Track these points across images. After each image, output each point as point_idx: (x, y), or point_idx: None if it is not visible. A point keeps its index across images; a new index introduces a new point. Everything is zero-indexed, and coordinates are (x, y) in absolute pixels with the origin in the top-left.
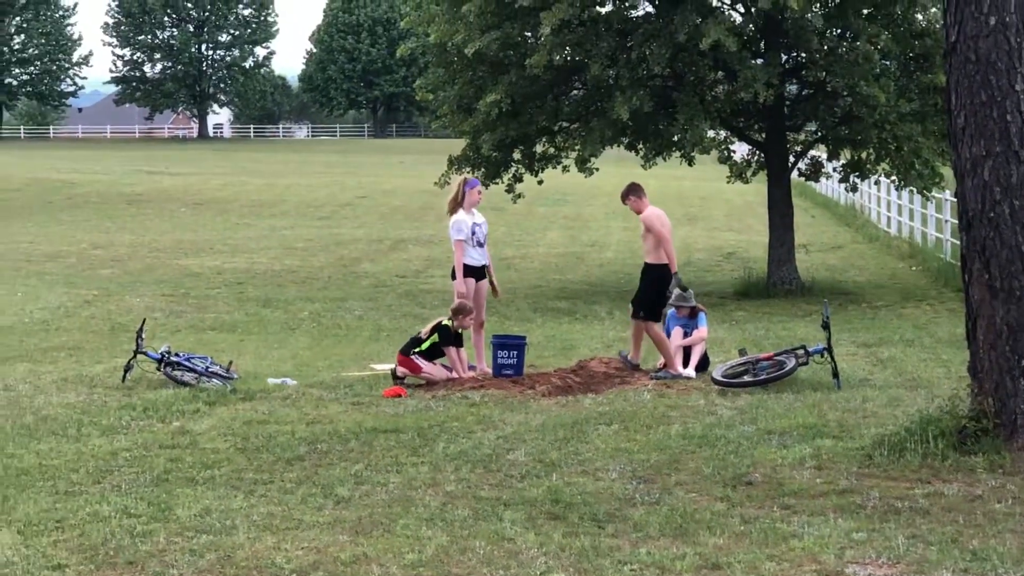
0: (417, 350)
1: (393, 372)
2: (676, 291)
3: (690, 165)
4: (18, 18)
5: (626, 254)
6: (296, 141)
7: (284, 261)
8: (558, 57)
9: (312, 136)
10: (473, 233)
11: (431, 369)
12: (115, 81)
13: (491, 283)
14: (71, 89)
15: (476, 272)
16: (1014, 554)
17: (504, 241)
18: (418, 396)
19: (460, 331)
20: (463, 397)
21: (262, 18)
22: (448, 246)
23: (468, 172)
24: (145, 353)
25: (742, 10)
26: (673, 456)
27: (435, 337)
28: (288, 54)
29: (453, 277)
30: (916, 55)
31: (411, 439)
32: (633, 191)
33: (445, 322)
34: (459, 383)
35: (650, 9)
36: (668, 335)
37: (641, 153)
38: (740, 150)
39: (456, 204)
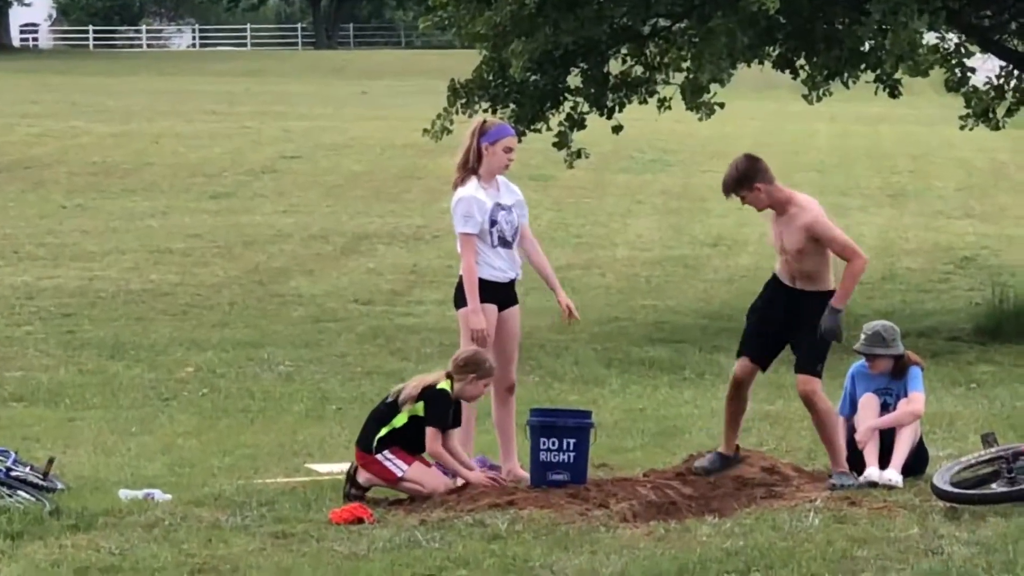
0: (386, 431)
1: (350, 477)
2: (865, 331)
3: (892, 96)
4: None
5: (776, 258)
6: (172, 55)
7: (150, 275)
8: None
9: (201, 45)
10: (494, 223)
11: (418, 474)
12: None
13: (560, 302)
14: None
15: (500, 293)
16: None
17: (552, 237)
18: (395, 521)
19: (467, 401)
20: (476, 523)
21: None
22: (453, 245)
23: (487, 111)
24: None
25: None
26: None
27: (418, 407)
28: None
29: (458, 304)
30: None
31: None
32: (755, 171)
33: (443, 384)
34: (465, 496)
35: None
36: (851, 407)
37: (803, 75)
38: (984, 69)
39: (467, 170)
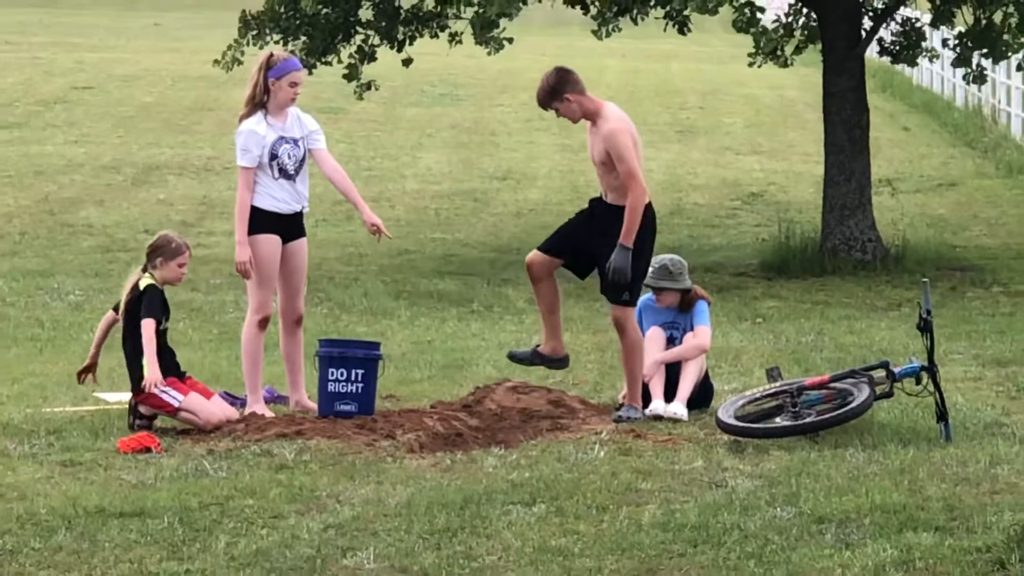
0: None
1: (133, 408)
2: (653, 264)
3: (681, 33)
4: None
5: (566, 192)
6: None
7: None
8: None
9: None
10: (274, 156)
11: (194, 404)
12: None
13: (366, 221)
14: None
15: (283, 224)
16: None
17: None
18: (182, 451)
19: (170, 285)
20: (264, 453)
21: None
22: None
23: (278, 43)
24: None
25: None
26: (646, 565)
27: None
28: None
29: None
30: None
31: (168, 530)
32: (564, 83)
33: (144, 280)
34: (253, 426)
35: None
36: None
37: (593, 11)
38: (773, 7)
39: (255, 104)
